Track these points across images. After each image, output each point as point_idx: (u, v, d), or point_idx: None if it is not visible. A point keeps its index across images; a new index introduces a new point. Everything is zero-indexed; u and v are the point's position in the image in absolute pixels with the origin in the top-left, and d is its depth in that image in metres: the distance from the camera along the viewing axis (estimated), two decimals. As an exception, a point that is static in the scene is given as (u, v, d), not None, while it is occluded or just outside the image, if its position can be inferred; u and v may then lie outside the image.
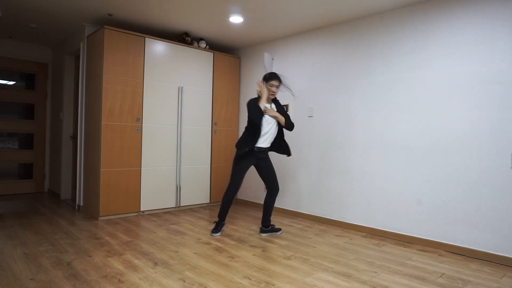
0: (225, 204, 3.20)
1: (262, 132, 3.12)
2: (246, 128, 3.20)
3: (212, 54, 4.58)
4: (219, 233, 3.23)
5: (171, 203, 4.25)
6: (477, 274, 2.42)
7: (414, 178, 3.14)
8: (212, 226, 3.54)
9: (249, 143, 3.09)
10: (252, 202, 4.73)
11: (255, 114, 3.04)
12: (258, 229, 3.46)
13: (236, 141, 4.76)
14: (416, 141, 3.14)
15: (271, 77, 3.10)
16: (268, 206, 3.27)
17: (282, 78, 3.15)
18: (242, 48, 4.97)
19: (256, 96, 3.22)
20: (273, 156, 4.43)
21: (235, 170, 3.16)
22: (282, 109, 3.21)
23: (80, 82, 4.17)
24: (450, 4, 2.95)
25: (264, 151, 3.21)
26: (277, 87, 3.13)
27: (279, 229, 3.34)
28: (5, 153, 5.00)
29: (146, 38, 3.95)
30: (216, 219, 3.83)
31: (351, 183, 3.60)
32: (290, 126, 3.21)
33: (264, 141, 3.17)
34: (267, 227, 3.29)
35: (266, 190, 3.35)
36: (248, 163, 3.18)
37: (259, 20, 3.77)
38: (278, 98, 3.41)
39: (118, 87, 3.76)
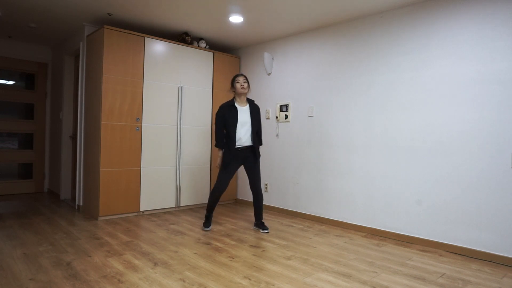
0: (212, 202, 3.36)
1: (238, 136, 3.27)
2: (219, 128, 3.31)
3: (212, 54, 4.58)
4: (210, 228, 3.41)
5: (171, 203, 4.25)
6: (477, 274, 2.42)
7: (414, 178, 3.14)
8: (216, 225, 3.54)
9: (231, 148, 3.23)
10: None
11: (217, 136, 3.31)
12: (258, 229, 3.46)
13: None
14: (416, 141, 3.13)
15: (235, 76, 3.34)
16: (255, 207, 3.43)
17: (239, 73, 3.41)
18: (242, 48, 4.96)
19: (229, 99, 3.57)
20: (273, 155, 4.43)
21: (221, 174, 3.27)
22: (256, 113, 3.36)
23: (79, 82, 4.16)
24: (450, 4, 2.95)
25: (247, 148, 3.31)
26: (244, 80, 3.30)
27: (265, 228, 3.38)
28: (4, 153, 4.99)
29: (146, 38, 3.95)
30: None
31: (351, 183, 3.60)
32: (259, 136, 3.40)
33: (244, 141, 3.29)
34: (257, 223, 3.47)
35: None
36: (236, 165, 3.32)
37: (259, 20, 3.77)
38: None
39: (118, 87, 3.76)
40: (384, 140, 3.36)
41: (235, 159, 3.28)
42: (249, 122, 3.29)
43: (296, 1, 3.21)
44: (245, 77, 3.32)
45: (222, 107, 3.29)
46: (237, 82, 3.29)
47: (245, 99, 3.37)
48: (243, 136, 3.26)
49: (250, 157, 3.33)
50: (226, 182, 3.28)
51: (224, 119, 3.25)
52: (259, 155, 3.37)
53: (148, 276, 2.21)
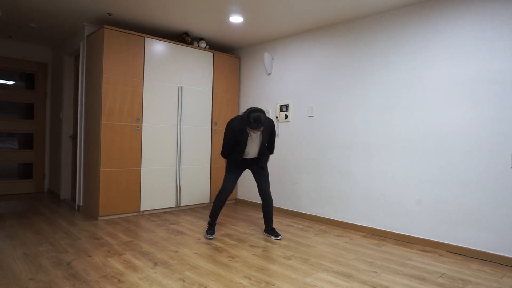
0: (218, 206, 3.14)
1: (246, 151, 3.12)
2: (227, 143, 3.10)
3: (212, 54, 4.58)
4: (214, 235, 3.16)
5: (171, 203, 4.25)
6: (477, 274, 2.42)
7: (414, 178, 3.14)
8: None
9: (237, 160, 3.12)
10: (252, 202, 4.73)
11: (225, 150, 3.10)
12: (259, 229, 3.46)
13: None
14: (416, 141, 3.13)
15: (249, 125, 2.83)
16: (264, 213, 3.24)
17: (260, 120, 2.81)
18: (242, 48, 4.96)
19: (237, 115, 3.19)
20: (273, 155, 4.43)
21: (228, 175, 3.14)
22: (267, 131, 3.10)
23: (80, 82, 4.16)
24: (450, 4, 2.95)
25: (252, 159, 3.21)
26: (260, 131, 2.99)
27: (277, 234, 3.18)
28: (5, 153, 4.99)
29: (146, 38, 3.95)
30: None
31: (351, 183, 3.60)
32: (271, 150, 3.27)
33: (250, 155, 3.17)
34: (267, 229, 3.26)
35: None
36: (241, 169, 3.21)
37: (259, 20, 3.77)
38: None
39: (118, 87, 3.76)
40: (384, 139, 3.36)
41: (240, 165, 3.19)
42: (258, 143, 3.11)
43: (296, 1, 3.21)
44: (262, 125, 2.83)
45: (233, 127, 2.99)
46: (252, 132, 2.92)
47: None
48: (250, 152, 3.14)
49: (256, 164, 3.23)
50: (234, 181, 3.15)
51: (234, 139, 3.03)
52: (265, 164, 3.21)
53: (148, 276, 2.22)
